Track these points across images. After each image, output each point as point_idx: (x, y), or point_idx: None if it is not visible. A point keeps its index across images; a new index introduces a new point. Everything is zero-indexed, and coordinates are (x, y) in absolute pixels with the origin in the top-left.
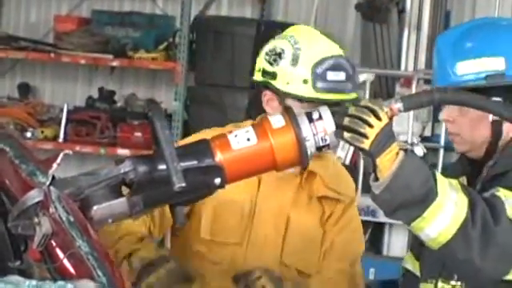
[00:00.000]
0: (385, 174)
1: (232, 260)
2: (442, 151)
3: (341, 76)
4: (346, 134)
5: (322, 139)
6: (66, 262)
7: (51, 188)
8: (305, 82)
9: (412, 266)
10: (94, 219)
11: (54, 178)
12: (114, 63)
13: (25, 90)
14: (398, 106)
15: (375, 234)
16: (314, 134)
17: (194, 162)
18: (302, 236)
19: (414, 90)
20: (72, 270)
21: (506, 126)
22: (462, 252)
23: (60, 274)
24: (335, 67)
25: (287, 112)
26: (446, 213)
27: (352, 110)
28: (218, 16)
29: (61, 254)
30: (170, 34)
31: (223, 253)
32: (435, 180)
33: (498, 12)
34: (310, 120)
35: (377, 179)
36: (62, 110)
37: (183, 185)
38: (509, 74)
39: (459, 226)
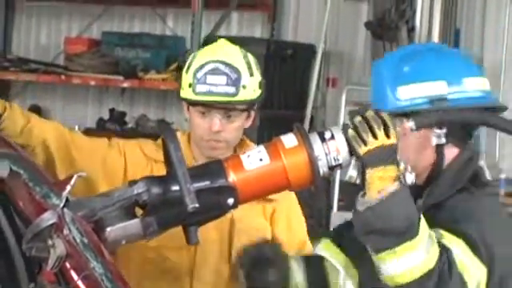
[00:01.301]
0: (373, 191)
1: (181, 264)
2: None
3: (220, 80)
4: (350, 132)
5: (334, 159)
6: (80, 284)
7: (65, 210)
8: (190, 85)
9: (330, 255)
10: (108, 241)
11: (67, 200)
12: (125, 84)
13: (36, 112)
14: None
15: None
16: (326, 154)
17: (207, 183)
18: (249, 233)
19: None
20: None
21: (446, 151)
22: None
23: None
24: (214, 71)
25: (299, 132)
26: (416, 256)
27: (369, 113)
28: (228, 36)
29: (75, 276)
30: (180, 55)
31: (171, 257)
32: (419, 220)
33: (507, 30)
34: (323, 140)
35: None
36: None
37: (196, 205)
38: (450, 98)
39: (422, 274)
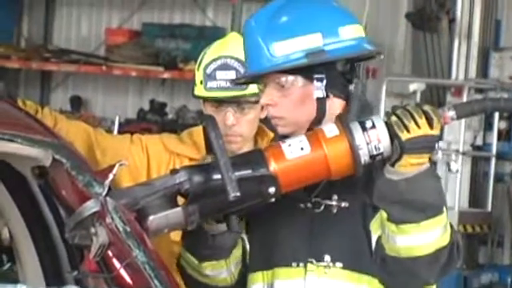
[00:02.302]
0: (404, 170)
1: None
2: (493, 160)
3: (229, 75)
4: (393, 118)
5: (375, 148)
6: (122, 272)
7: (107, 198)
8: (201, 82)
9: None
10: (150, 229)
11: (110, 188)
12: (165, 75)
13: (77, 102)
14: (451, 114)
15: None
16: (367, 143)
17: (249, 172)
18: None
19: (465, 99)
20: (129, 280)
21: (329, 103)
22: (423, 271)
23: (117, 284)
24: (223, 67)
25: (340, 121)
26: (437, 232)
27: (411, 106)
28: None
29: (117, 264)
30: None
31: None
32: (445, 202)
33: None
34: (364, 129)
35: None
36: (113, 123)
37: (238, 194)
38: (327, 49)
39: (438, 248)
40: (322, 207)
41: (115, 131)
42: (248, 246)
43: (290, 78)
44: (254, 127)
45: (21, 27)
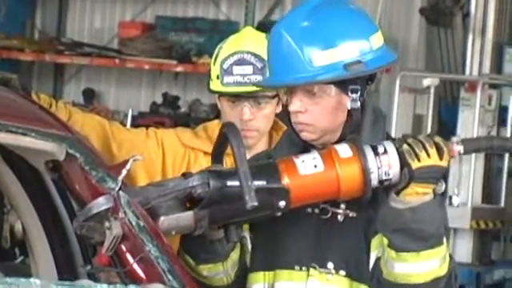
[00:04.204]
0: (410, 199)
1: None
2: (507, 156)
3: (247, 70)
4: (405, 146)
5: (385, 173)
6: (136, 267)
7: (121, 193)
8: (217, 77)
9: None
10: (160, 229)
11: (123, 184)
12: (178, 68)
13: (90, 95)
14: (459, 148)
15: None
16: (378, 167)
17: (263, 183)
18: None
19: (478, 95)
20: (142, 275)
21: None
22: None
23: (130, 279)
24: (240, 62)
25: (354, 143)
26: (436, 261)
27: (422, 136)
28: None
29: (131, 259)
30: None
31: None
32: (447, 233)
33: None
34: (376, 153)
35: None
36: (126, 116)
37: (255, 204)
38: (364, 60)
39: (436, 277)
40: (329, 214)
41: (128, 124)
42: (250, 245)
43: (323, 86)
44: (270, 122)
45: (34, 20)
